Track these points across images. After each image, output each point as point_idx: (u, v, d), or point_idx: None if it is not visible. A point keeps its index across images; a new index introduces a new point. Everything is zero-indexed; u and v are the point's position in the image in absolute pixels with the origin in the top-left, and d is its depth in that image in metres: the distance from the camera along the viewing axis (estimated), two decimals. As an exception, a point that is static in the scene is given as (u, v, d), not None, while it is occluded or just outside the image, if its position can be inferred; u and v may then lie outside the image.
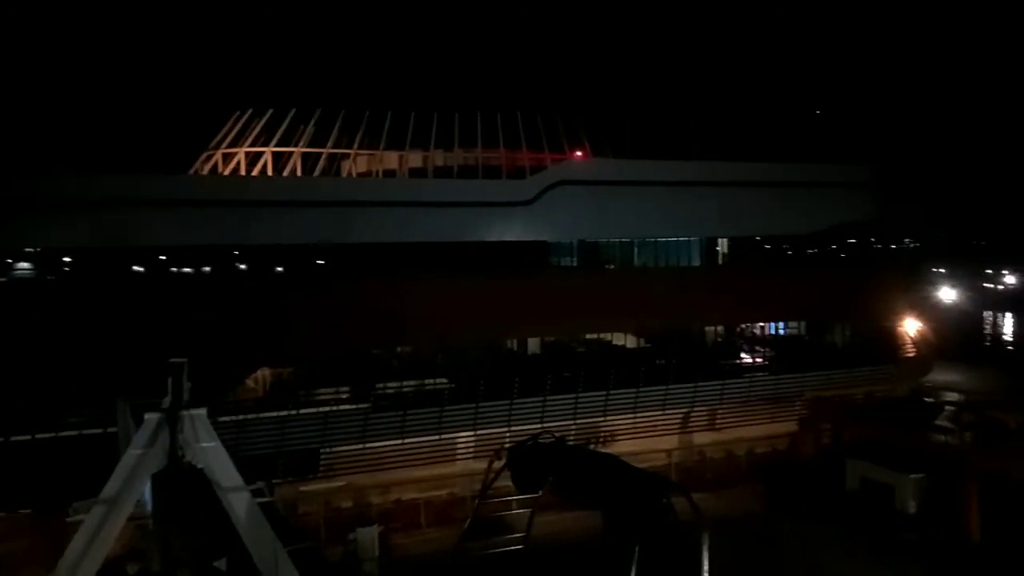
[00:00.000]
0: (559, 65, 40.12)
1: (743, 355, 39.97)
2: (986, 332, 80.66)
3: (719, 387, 35.58)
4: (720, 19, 47.24)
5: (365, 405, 30.08)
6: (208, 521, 15.31)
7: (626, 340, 39.40)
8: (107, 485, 14.16)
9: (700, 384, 35.06)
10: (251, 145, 33.78)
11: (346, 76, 36.63)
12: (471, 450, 31.01)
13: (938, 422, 27.45)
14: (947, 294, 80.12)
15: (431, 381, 32.35)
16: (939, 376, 42.57)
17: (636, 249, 38.31)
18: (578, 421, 32.93)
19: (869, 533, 24.79)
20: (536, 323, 34.58)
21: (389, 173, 35.11)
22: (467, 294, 32.10)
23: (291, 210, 31.10)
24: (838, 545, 24.53)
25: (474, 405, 31.17)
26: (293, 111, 34.19)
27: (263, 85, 35.53)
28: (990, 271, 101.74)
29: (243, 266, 32.73)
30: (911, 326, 43.15)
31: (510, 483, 18.95)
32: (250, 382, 31.86)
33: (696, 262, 39.46)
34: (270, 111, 34.27)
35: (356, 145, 34.20)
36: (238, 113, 34.95)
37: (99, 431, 24.26)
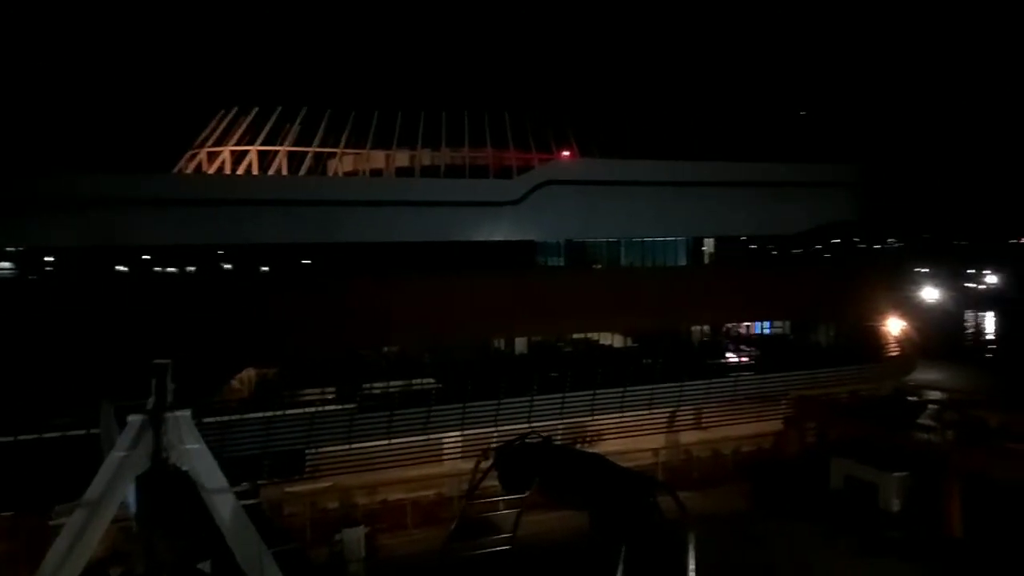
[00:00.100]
0: (546, 64, 40.15)
1: (729, 354, 40.20)
2: (968, 332, 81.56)
3: (705, 386, 35.75)
4: (706, 20, 47.46)
5: (351, 405, 29.97)
6: (192, 523, 15.20)
7: (613, 340, 39.50)
8: (90, 487, 14.03)
9: (686, 383, 35.21)
10: (236, 144, 33.52)
11: (332, 75, 36.46)
12: (458, 450, 30.98)
13: (921, 421, 27.73)
14: (930, 294, 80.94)
15: (418, 381, 32.27)
16: (922, 375, 43.00)
17: (623, 249, 38.42)
18: (565, 421, 32.98)
19: (853, 531, 24.99)
20: (523, 323, 34.58)
21: (376, 172, 34.97)
22: (454, 294, 32.06)
23: (277, 209, 30.91)
24: (823, 543, 24.71)
25: (461, 405, 31.13)
26: (279, 109, 33.96)
27: (248, 83, 35.29)
28: (972, 271, 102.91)
29: (228, 266, 32.49)
30: (895, 325, 43.56)
31: (497, 483, 18.95)
32: (235, 383, 31.65)
33: (682, 262, 39.59)
34: (255, 109, 34.03)
35: (342, 144, 34.02)
36: (223, 111, 34.68)
37: (82, 432, 24.00)
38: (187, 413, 14.44)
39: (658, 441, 33.67)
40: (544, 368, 33.69)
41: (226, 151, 33.49)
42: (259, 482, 25.46)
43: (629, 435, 33.72)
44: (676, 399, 35.08)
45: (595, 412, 33.60)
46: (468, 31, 39.96)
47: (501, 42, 40.05)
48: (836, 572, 23.26)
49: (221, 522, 14.54)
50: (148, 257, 30.56)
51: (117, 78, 41.88)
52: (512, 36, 40.73)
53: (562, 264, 37.68)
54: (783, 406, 35.29)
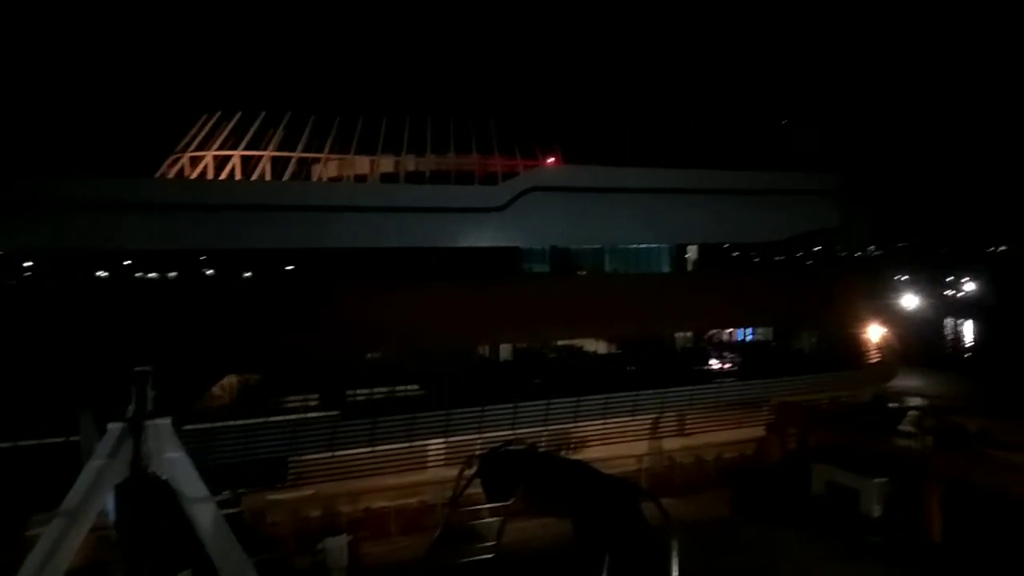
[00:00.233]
0: (532, 71, 40.26)
1: (712, 361, 40.42)
2: (947, 338, 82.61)
3: (688, 392, 35.89)
4: (690, 29, 47.85)
5: (334, 412, 29.79)
6: (172, 533, 15.02)
7: (597, 346, 39.61)
8: (68, 496, 13.82)
9: (670, 390, 35.33)
10: (219, 148, 33.31)
11: (317, 79, 36.33)
12: (442, 457, 30.86)
13: (901, 427, 27.97)
14: (910, 301, 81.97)
15: (402, 388, 32.14)
16: (902, 382, 43.43)
17: (607, 256, 38.58)
18: (549, 427, 32.97)
19: (835, 536, 25.17)
20: (508, 329, 34.59)
21: (360, 178, 34.89)
22: (439, 300, 32.00)
23: (260, 215, 30.73)
24: (804, 548, 24.86)
25: (445, 412, 31.03)
26: (263, 114, 33.81)
27: (232, 87, 35.07)
28: (951, 278, 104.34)
29: (210, 271, 32.24)
30: (875, 332, 44.04)
31: (481, 490, 18.90)
32: (217, 390, 31.36)
33: (666, 269, 39.85)
34: (239, 114, 33.84)
35: (327, 149, 33.93)
36: (206, 116, 34.45)
37: (61, 440, 23.66)
38: (167, 421, 14.26)
39: (641, 448, 33.73)
40: (528, 375, 33.66)
41: (209, 156, 33.26)
42: (241, 490, 25.26)
43: (613, 442, 33.78)
44: (659, 405, 35.19)
45: (579, 419, 33.62)
46: (454, 37, 40.03)
47: (486, 48, 40.15)
48: (818, 577, 23.40)
49: (202, 531, 14.36)
50: (129, 262, 30.27)
51: (98, 81, 41.47)
52: (497, 42, 40.84)
53: (547, 271, 37.79)
54: (765, 412, 35.50)
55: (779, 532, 25.90)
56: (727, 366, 40.03)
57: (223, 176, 32.73)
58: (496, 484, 18.11)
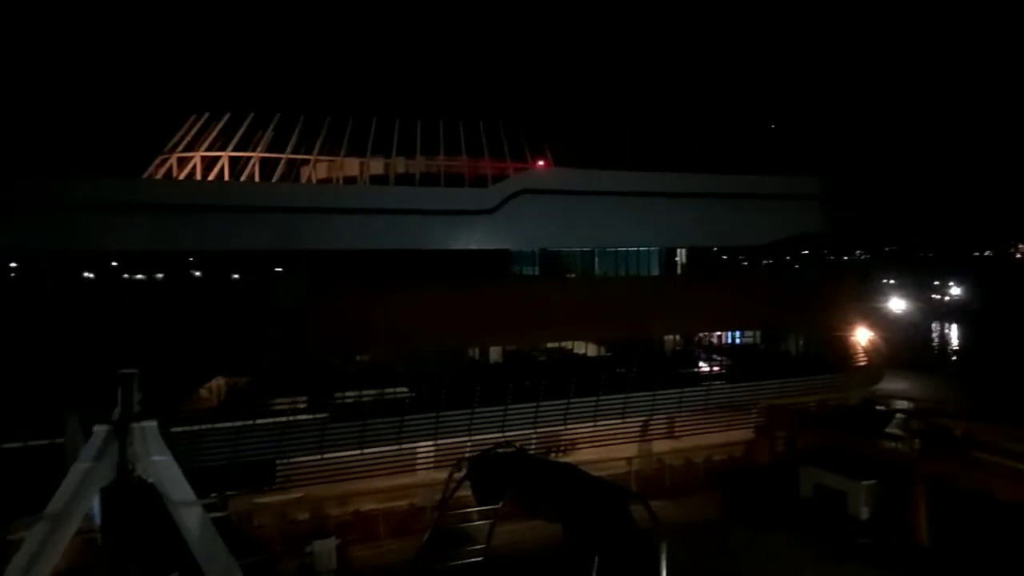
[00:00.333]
0: (521, 75, 40.32)
1: (701, 364, 40.54)
2: (934, 342, 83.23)
3: (678, 395, 35.99)
4: (678, 34, 48.07)
5: (323, 415, 29.65)
6: (158, 536, 14.90)
7: (587, 349, 39.65)
8: (53, 499, 13.68)
9: (659, 392, 35.42)
10: (208, 149, 33.13)
11: (306, 81, 36.20)
12: (431, 460, 30.78)
13: (889, 430, 28.15)
14: (897, 305, 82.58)
15: (391, 390, 32.04)
16: (889, 385, 43.70)
17: (597, 258, 38.64)
18: (539, 430, 32.96)
19: (823, 539, 25.27)
20: (498, 332, 34.56)
21: (350, 180, 34.79)
22: (428, 302, 31.93)
23: (248, 216, 30.57)
24: (793, 550, 24.94)
25: (435, 414, 30.96)
26: (251, 115, 33.63)
27: (221, 88, 34.89)
28: (938, 283, 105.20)
29: (198, 273, 32.04)
30: (863, 336, 44.30)
31: (471, 493, 18.86)
32: (204, 392, 31.16)
33: (655, 272, 39.95)
34: (228, 115, 33.66)
35: (316, 151, 33.81)
36: (195, 116, 34.26)
37: (45, 443, 23.42)
38: (153, 424, 14.15)
39: (631, 450, 33.78)
40: (518, 377, 33.66)
41: (197, 156, 33.07)
42: (228, 493, 25.07)
43: (602, 444, 33.82)
44: (649, 408, 35.27)
45: (569, 421, 33.64)
46: (444, 40, 40.02)
47: (476, 51, 40.17)
48: (806, 580, 23.48)
49: (188, 535, 14.25)
50: (116, 263, 30.02)
51: (87, 81, 41.20)
52: (488, 45, 40.87)
53: (536, 273, 37.78)
54: (754, 415, 35.65)
55: (768, 534, 25.96)
56: (716, 369, 40.15)
57: (212, 177, 32.53)
58: (486, 487, 18.08)
